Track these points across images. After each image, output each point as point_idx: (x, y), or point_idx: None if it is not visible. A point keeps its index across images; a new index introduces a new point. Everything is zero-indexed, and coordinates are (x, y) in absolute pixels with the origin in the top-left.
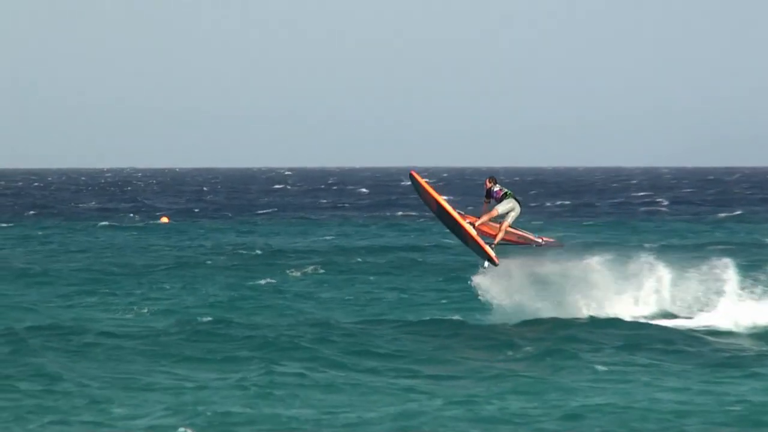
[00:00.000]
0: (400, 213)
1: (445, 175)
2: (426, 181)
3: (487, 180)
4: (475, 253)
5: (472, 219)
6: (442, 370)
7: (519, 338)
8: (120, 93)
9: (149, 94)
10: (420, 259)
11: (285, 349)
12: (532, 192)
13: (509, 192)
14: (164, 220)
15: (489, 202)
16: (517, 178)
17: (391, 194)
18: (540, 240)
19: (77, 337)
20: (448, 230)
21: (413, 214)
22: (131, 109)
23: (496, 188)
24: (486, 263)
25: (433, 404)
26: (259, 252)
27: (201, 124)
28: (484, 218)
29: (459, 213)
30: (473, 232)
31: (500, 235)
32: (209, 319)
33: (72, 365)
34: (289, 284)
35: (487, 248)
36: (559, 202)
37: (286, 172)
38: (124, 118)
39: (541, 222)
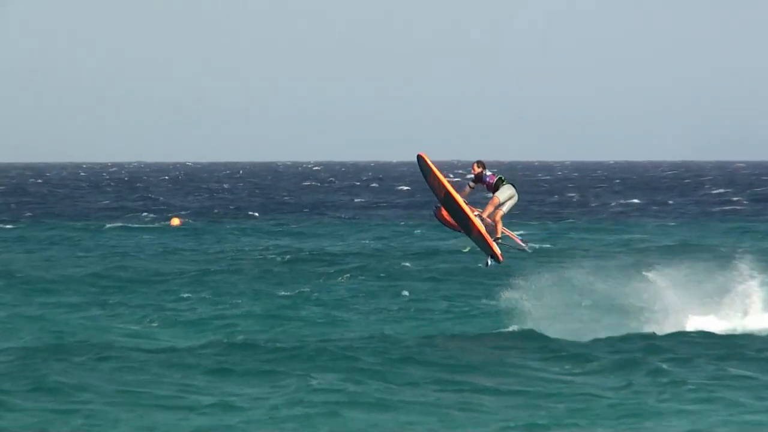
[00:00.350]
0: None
1: (494, 170)
2: (436, 166)
3: (475, 164)
4: (478, 247)
5: (478, 210)
6: (498, 386)
7: (587, 350)
8: (120, 82)
9: (153, 83)
10: (471, 266)
11: (319, 363)
12: (596, 189)
13: (503, 177)
14: (175, 222)
15: (474, 187)
16: (576, 174)
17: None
18: (525, 246)
19: (84, 351)
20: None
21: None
22: (134, 99)
23: (488, 173)
24: (489, 260)
25: (487, 431)
26: (289, 257)
27: (212, 116)
28: (489, 209)
29: (466, 202)
30: (481, 227)
31: (499, 228)
32: (233, 331)
33: (78, 382)
34: (324, 292)
35: (494, 244)
36: (623, 201)
37: (314, 167)
38: (126, 109)
39: (606, 223)
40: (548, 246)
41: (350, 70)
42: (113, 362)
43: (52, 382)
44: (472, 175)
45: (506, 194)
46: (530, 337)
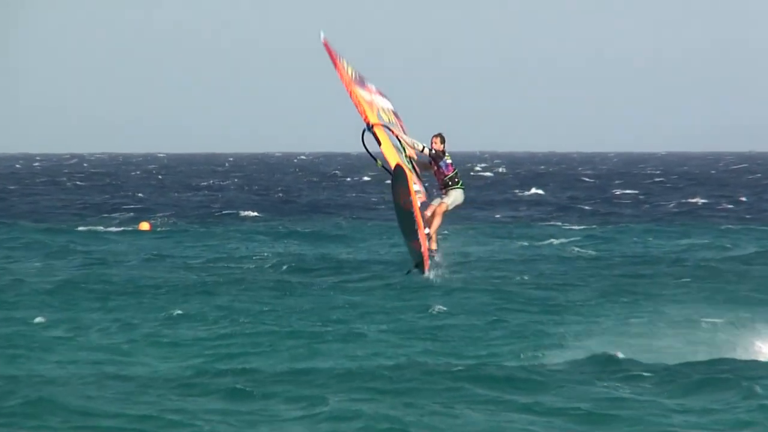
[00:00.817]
0: (478, 213)
1: (542, 167)
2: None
3: (437, 139)
4: (409, 251)
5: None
6: (555, 407)
7: (661, 370)
8: (76, 62)
9: (115, 63)
10: (509, 276)
11: (334, 387)
12: (650, 184)
13: (458, 172)
14: (144, 226)
15: (425, 163)
16: (623, 171)
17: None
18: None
19: (52, 374)
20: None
21: (498, 216)
22: (91, 83)
23: (449, 160)
24: (413, 269)
25: None
26: (289, 265)
27: (188, 100)
28: (438, 221)
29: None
30: (425, 243)
31: (435, 239)
32: (228, 353)
33: (44, 406)
34: (335, 307)
35: (427, 259)
36: (683, 199)
37: (314, 159)
38: (84, 93)
39: (664, 224)
40: (596, 253)
41: (356, 50)
42: (84, 387)
43: (14, 407)
44: (432, 150)
45: (456, 201)
46: (592, 356)
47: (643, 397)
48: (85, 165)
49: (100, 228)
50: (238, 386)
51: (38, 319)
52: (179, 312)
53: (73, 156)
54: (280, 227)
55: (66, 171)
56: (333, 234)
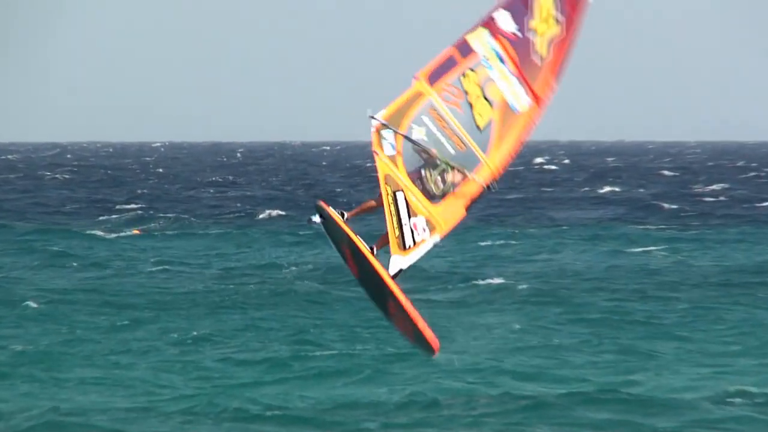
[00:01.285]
0: (545, 214)
1: (611, 159)
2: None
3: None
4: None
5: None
6: None
7: None
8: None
9: (100, 45)
10: (602, 289)
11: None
12: (743, 177)
13: None
14: (134, 232)
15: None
16: (710, 163)
17: (525, 187)
18: None
19: (49, 406)
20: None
21: (567, 217)
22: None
23: None
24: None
25: None
26: (324, 274)
27: (184, 85)
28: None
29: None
30: (421, 321)
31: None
32: (262, 380)
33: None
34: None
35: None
36: None
37: (342, 149)
38: (67, 75)
39: (752, 227)
40: (684, 259)
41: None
42: (95, 413)
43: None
44: None
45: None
46: (690, 376)
47: (758, 416)
48: (68, 156)
49: (96, 231)
50: (268, 414)
51: (34, 336)
52: (195, 332)
53: (52, 146)
54: (309, 229)
55: (47, 163)
56: (374, 235)
